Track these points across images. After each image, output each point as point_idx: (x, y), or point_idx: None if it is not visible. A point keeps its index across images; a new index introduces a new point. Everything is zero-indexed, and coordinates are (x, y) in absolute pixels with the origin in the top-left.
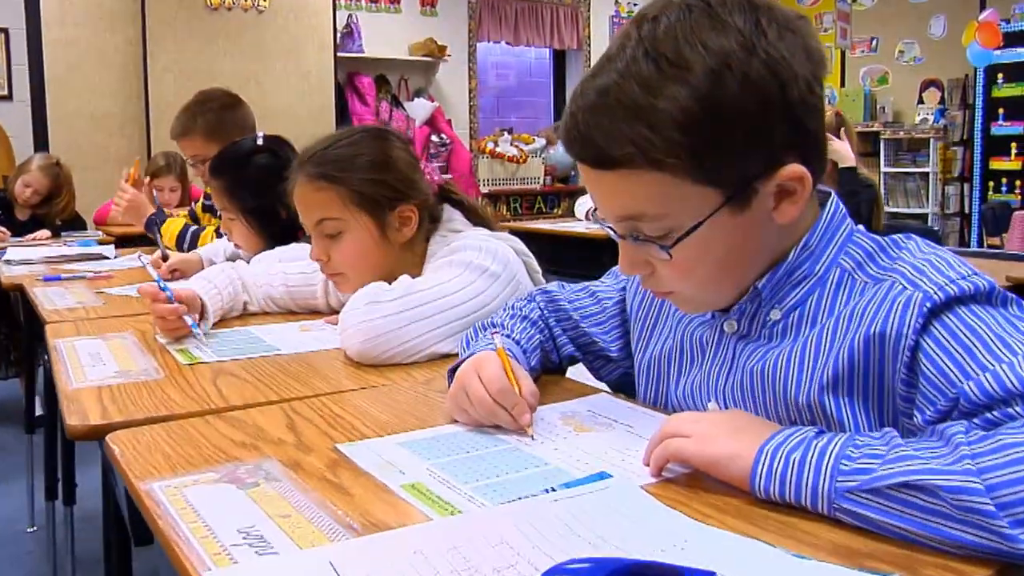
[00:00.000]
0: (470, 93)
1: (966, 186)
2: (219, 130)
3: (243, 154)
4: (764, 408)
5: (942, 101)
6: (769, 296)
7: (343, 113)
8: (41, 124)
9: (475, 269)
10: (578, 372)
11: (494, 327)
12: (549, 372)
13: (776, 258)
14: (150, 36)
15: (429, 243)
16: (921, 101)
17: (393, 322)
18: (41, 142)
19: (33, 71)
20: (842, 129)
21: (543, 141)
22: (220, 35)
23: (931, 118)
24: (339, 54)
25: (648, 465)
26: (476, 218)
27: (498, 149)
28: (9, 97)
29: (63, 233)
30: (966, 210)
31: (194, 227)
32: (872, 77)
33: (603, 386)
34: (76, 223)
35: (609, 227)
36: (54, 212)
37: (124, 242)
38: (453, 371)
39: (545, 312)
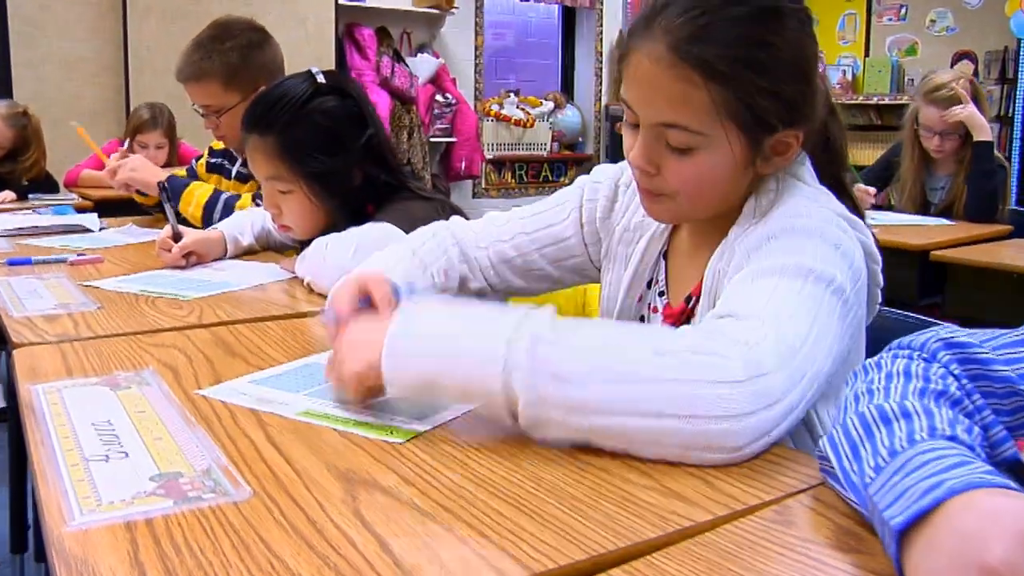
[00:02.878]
0: (476, 51)
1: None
2: (242, 74)
3: (299, 98)
4: None
5: (976, 74)
6: None
7: (341, 67)
8: (4, 69)
9: (818, 280)
10: None
11: (906, 416)
12: None
13: None
14: None
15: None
16: None
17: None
18: (3, 90)
19: None
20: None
21: (551, 104)
22: None
23: None
24: (339, 2)
25: None
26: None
27: (503, 112)
28: None
29: (31, 196)
30: None
31: (228, 193)
32: (900, 47)
33: None
34: (46, 184)
35: None
36: (20, 170)
37: (106, 209)
38: (902, 532)
39: (963, 380)
